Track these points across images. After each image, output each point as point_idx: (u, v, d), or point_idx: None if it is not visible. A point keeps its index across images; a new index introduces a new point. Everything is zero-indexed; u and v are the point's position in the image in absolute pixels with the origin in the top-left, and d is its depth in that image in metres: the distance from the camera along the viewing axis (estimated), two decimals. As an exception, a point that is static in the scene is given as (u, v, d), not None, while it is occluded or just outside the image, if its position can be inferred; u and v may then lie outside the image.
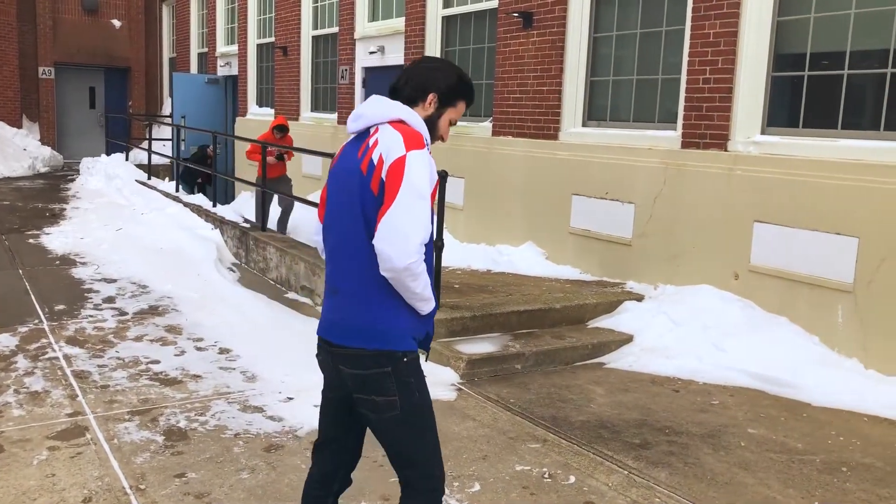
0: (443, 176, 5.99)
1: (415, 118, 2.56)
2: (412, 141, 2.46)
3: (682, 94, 6.74)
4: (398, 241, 2.37)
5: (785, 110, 6.19)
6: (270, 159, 10.24)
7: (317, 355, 2.71)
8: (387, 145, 2.45)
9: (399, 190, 2.39)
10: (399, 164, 2.41)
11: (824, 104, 5.90)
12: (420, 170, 2.41)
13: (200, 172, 13.70)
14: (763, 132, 6.24)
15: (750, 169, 6.16)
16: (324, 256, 2.72)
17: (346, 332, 2.53)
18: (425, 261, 2.46)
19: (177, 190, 12.27)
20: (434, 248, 5.93)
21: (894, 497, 3.85)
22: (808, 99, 6.02)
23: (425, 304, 2.53)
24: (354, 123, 2.60)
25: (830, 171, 5.62)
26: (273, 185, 10.10)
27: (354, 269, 2.51)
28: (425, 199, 2.40)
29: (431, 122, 2.64)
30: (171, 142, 14.11)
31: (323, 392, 2.78)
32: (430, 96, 2.62)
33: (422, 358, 2.65)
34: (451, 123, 2.70)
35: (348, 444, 2.78)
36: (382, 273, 2.43)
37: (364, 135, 2.56)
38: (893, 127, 5.49)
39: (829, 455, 4.31)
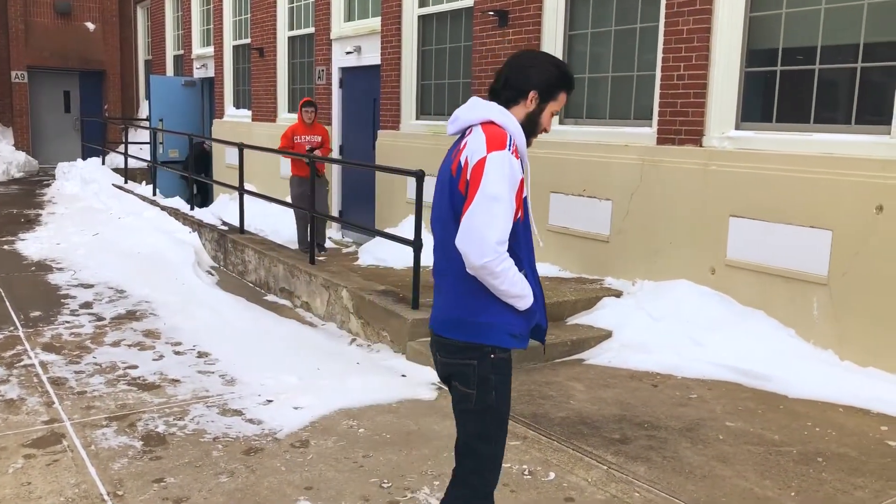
0: (420, 175, 6.01)
1: (506, 118, 2.62)
2: (494, 142, 2.52)
3: (657, 91, 6.78)
4: (474, 240, 2.46)
5: (758, 105, 6.25)
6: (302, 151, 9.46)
7: (431, 346, 2.83)
8: (472, 148, 2.54)
9: (477, 191, 2.47)
10: (480, 166, 2.49)
11: (797, 99, 5.96)
12: (497, 171, 2.48)
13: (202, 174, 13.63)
14: (737, 127, 6.29)
15: (725, 164, 6.21)
16: None
17: (445, 324, 2.66)
18: (520, 258, 2.59)
19: (154, 193, 12.18)
20: (415, 247, 5.95)
21: (868, 486, 3.90)
22: (780, 94, 6.08)
23: (518, 301, 2.59)
24: (451, 126, 2.70)
25: (804, 165, 5.68)
26: (306, 185, 8.94)
27: (451, 267, 2.61)
28: (501, 200, 2.46)
29: (534, 118, 2.69)
30: (149, 145, 14.00)
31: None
32: (531, 94, 2.67)
33: (541, 347, 2.73)
34: (554, 114, 2.75)
35: None
36: (468, 271, 2.53)
37: (462, 137, 2.66)
38: (864, 121, 5.56)
39: (805, 446, 4.36)
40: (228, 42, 14.89)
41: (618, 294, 6.72)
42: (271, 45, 13.20)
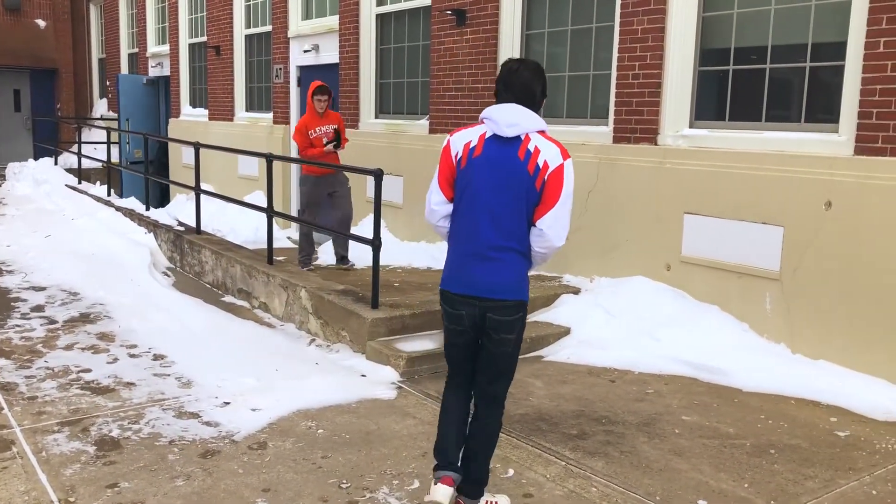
0: (378, 174, 5.99)
1: (543, 124, 3.28)
2: (565, 152, 3.26)
3: (613, 90, 6.85)
4: (561, 230, 3.24)
5: (712, 104, 6.35)
6: (326, 149, 8.01)
7: (449, 309, 3.42)
8: (549, 154, 3.21)
9: (561, 192, 3.20)
10: (559, 171, 3.21)
11: (749, 97, 6.07)
12: (571, 176, 3.24)
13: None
14: (691, 126, 6.39)
15: (679, 162, 6.30)
16: (447, 240, 3.46)
17: (503, 289, 3.29)
18: None
19: (108, 194, 11.97)
20: (374, 246, 5.94)
21: (818, 475, 3.99)
22: (733, 93, 6.18)
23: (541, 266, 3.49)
24: (511, 129, 3.23)
25: (755, 163, 5.79)
26: (322, 186, 7.99)
27: (511, 245, 3.26)
28: (571, 198, 3.25)
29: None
30: (105, 145, 13.72)
31: (451, 341, 3.51)
32: (543, 101, 3.39)
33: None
34: None
35: (473, 371, 3.51)
36: (540, 250, 3.29)
37: (515, 139, 3.24)
38: (813, 119, 5.69)
39: (758, 438, 4.44)
40: (184, 40, 14.68)
41: (576, 291, 6.77)
42: (228, 44, 13.05)
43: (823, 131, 5.56)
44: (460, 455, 3.50)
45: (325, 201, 8.12)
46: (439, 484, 3.42)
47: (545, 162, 3.19)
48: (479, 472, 3.50)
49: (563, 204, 3.22)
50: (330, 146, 8.03)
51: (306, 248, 8.22)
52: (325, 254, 9.01)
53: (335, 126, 8.11)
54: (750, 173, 5.81)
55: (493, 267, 3.29)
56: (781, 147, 5.71)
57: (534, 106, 3.30)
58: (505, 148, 3.24)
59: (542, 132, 3.26)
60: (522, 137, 3.23)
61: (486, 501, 3.57)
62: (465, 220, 3.33)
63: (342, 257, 8.26)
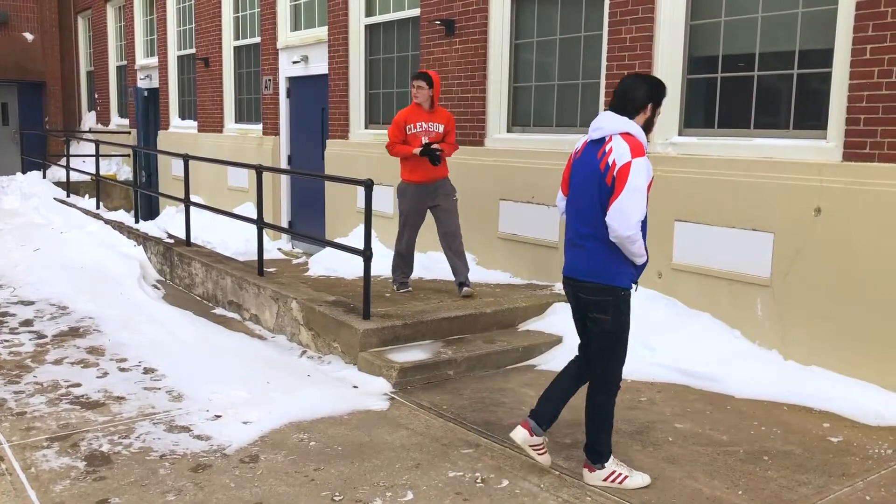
0: (369, 185, 5.98)
1: (634, 128, 3.75)
2: (636, 151, 3.66)
3: (602, 98, 6.87)
4: (623, 219, 3.63)
5: (701, 112, 6.37)
6: (416, 150, 6.75)
7: (564, 287, 4.04)
8: (619, 153, 3.66)
9: (625, 185, 3.61)
10: (626, 167, 3.63)
11: (737, 105, 6.09)
12: (639, 172, 3.63)
13: None
14: (680, 133, 6.41)
15: (669, 170, 6.31)
16: (563, 217, 4.08)
17: (589, 272, 3.81)
18: (643, 232, 3.72)
19: (97, 207, 11.91)
20: (365, 257, 5.92)
21: (812, 482, 3.99)
22: (721, 100, 6.21)
23: (639, 259, 3.81)
24: (595, 132, 3.79)
25: (745, 170, 5.81)
26: (424, 197, 6.87)
27: (590, 233, 3.77)
28: (640, 191, 3.63)
29: (650, 123, 3.85)
30: (93, 158, 13.63)
31: (573, 315, 4.09)
32: (648, 108, 3.83)
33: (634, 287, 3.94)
34: (658, 115, 3.90)
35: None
36: (612, 237, 3.69)
37: (600, 141, 3.76)
38: (802, 125, 5.71)
39: (751, 445, 4.44)
40: (173, 52, 14.66)
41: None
42: (217, 56, 13.04)
43: (812, 138, 5.59)
44: (550, 409, 4.08)
45: (422, 215, 6.98)
46: (518, 426, 4.05)
47: (614, 160, 3.65)
48: (589, 441, 3.96)
49: (626, 196, 3.61)
50: (434, 148, 6.70)
51: (402, 268, 7.13)
52: (316, 264, 8.99)
53: (442, 126, 6.88)
54: (739, 180, 5.83)
55: (579, 253, 3.86)
56: (770, 154, 5.73)
57: (628, 111, 3.78)
58: (593, 149, 3.79)
59: (624, 133, 3.71)
60: (605, 139, 3.73)
61: (613, 472, 3.90)
62: (567, 212, 3.99)
63: (459, 283, 6.89)
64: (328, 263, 8.77)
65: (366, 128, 9.89)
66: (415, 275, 8.13)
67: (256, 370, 5.64)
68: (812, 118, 5.66)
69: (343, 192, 9.86)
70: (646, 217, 3.76)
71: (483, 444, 4.45)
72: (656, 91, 3.87)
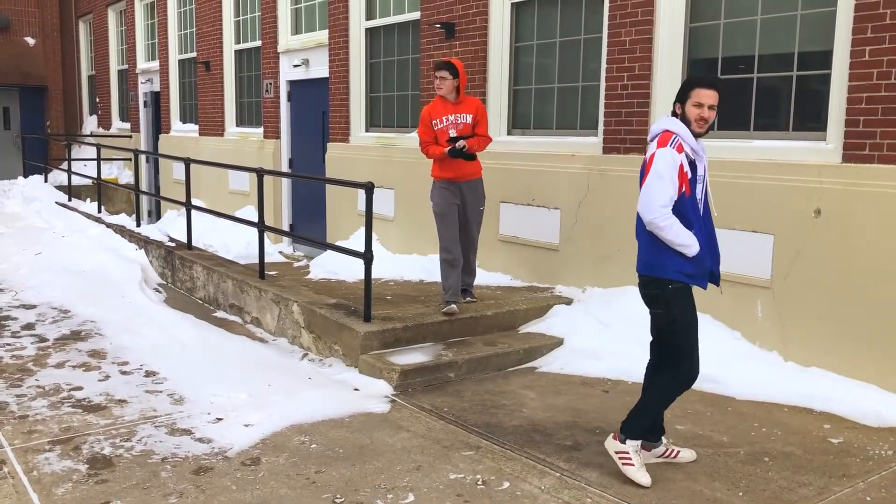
0: (370, 188, 6.00)
1: (672, 124, 3.92)
2: (661, 142, 3.86)
3: (602, 101, 6.88)
4: (644, 203, 3.82)
5: (700, 114, 6.37)
6: (446, 150, 6.25)
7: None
8: (652, 147, 3.91)
9: (649, 172, 3.82)
10: (651, 157, 3.86)
11: (737, 107, 6.10)
12: (660, 160, 3.80)
13: None
14: (680, 135, 6.40)
15: (669, 171, 6.31)
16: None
17: (639, 264, 4.00)
18: (690, 222, 3.82)
19: (99, 211, 11.93)
20: (366, 259, 5.93)
21: (812, 483, 3.99)
22: (721, 102, 6.18)
23: (685, 249, 3.83)
24: (650, 135, 4.03)
25: (745, 172, 5.82)
26: (450, 194, 6.37)
27: (640, 227, 3.95)
28: (663, 178, 3.77)
29: (685, 117, 3.90)
30: (95, 162, 13.63)
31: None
32: (676, 105, 3.98)
33: (716, 290, 4.30)
34: (700, 107, 3.87)
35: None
36: (646, 227, 3.85)
37: (653, 141, 3.98)
38: (801, 127, 5.72)
39: (752, 446, 4.44)
40: (174, 56, 14.70)
41: (568, 301, 6.78)
42: (218, 59, 13.07)
43: (811, 139, 5.60)
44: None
45: (457, 216, 6.44)
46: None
47: (649, 155, 3.89)
48: (630, 413, 4.07)
49: (648, 182, 3.82)
50: (460, 144, 6.14)
51: (450, 277, 6.36)
52: (317, 267, 9.01)
53: (470, 116, 6.29)
54: (739, 182, 5.84)
55: (638, 247, 4.03)
56: (770, 155, 5.74)
57: (673, 113, 3.97)
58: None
59: (664, 131, 3.90)
60: (654, 139, 3.97)
61: (626, 453, 3.99)
62: None
63: (466, 290, 6.65)
64: (329, 266, 8.79)
65: (366, 131, 9.90)
66: (416, 277, 8.15)
67: (257, 373, 5.65)
68: (811, 120, 5.67)
69: (344, 195, 9.88)
70: (703, 217, 3.91)
71: (484, 446, 4.46)
72: (680, 89, 4.00)
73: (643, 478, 3.93)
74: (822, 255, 5.38)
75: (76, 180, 14.08)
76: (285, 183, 11.58)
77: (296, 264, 10.18)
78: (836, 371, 5.31)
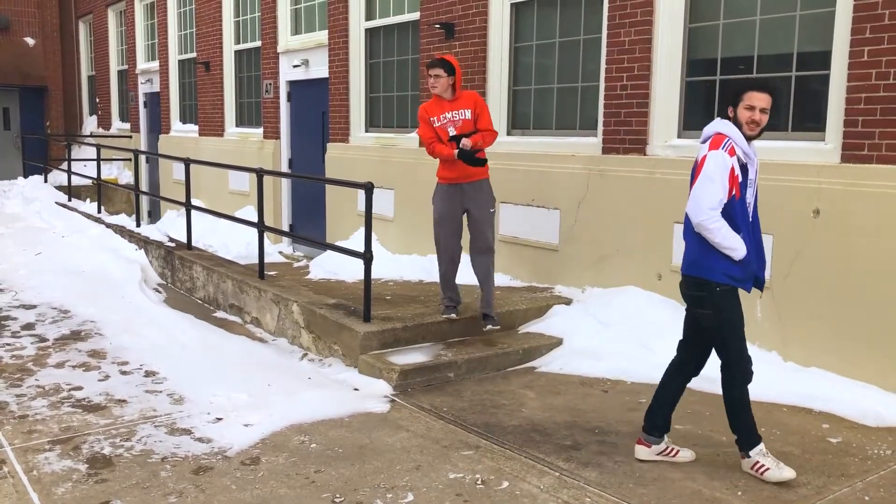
0: (369, 188, 6.00)
1: (724, 126, 3.95)
2: (712, 145, 3.91)
3: (602, 101, 6.89)
4: (693, 205, 3.88)
5: (700, 114, 6.39)
6: (455, 152, 5.77)
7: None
8: (702, 149, 3.97)
9: (700, 175, 3.88)
10: (703, 160, 3.92)
11: (736, 107, 6.10)
12: (711, 163, 3.86)
13: None
14: (680, 136, 6.42)
15: (668, 172, 6.33)
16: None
17: (684, 265, 4.05)
18: (738, 225, 3.86)
19: (99, 211, 11.93)
20: (365, 260, 5.94)
21: (811, 482, 4.00)
22: (720, 102, 6.22)
23: (732, 253, 3.88)
24: (701, 138, 4.05)
25: (744, 172, 5.81)
26: (453, 198, 5.92)
27: (688, 228, 3.99)
28: (713, 180, 3.83)
29: (737, 120, 3.94)
30: (95, 162, 13.63)
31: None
32: (729, 109, 3.98)
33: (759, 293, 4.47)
34: (751, 110, 3.89)
35: (696, 342, 4.21)
36: (695, 229, 3.91)
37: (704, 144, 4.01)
38: (800, 127, 5.73)
39: (751, 446, 4.44)
40: (174, 56, 14.70)
41: (567, 301, 6.79)
42: (217, 60, 13.08)
43: (810, 139, 5.60)
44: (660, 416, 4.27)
45: (457, 222, 5.98)
46: (636, 447, 4.29)
47: (700, 156, 3.94)
48: (734, 432, 4.11)
49: (697, 184, 3.88)
50: (465, 143, 5.69)
51: (444, 290, 6.14)
52: (317, 267, 9.01)
53: (468, 111, 5.82)
54: (738, 182, 5.84)
55: (684, 247, 4.09)
56: (769, 156, 5.73)
57: (722, 114, 4.01)
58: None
59: (717, 133, 3.94)
60: (706, 141, 4.01)
61: (758, 462, 4.00)
62: None
63: (483, 315, 6.03)
64: (329, 266, 8.79)
65: (366, 131, 9.91)
66: (416, 277, 8.16)
67: (257, 373, 5.66)
68: (810, 120, 5.68)
69: (344, 195, 9.88)
70: (746, 210, 3.93)
71: (483, 445, 4.46)
72: (733, 92, 4.01)
73: (787, 473, 3.96)
74: (822, 256, 5.39)
75: (76, 180, 14.09)
76: (285, 183, 11.59)
77: (295, 264, 10.19)
78: (835, 371, 5.32)
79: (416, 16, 8.89)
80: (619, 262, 6.72)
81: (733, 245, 3.86)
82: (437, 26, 8.34)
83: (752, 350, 5.67)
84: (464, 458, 4.29)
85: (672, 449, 4.25)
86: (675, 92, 6.41)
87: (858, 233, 5.20)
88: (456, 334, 6.17)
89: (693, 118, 6.40)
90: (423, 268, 8.31)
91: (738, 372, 4.04)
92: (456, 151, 5.76)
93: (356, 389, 5.41)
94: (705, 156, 3.88)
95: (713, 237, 3.85)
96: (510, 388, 5.49)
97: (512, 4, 7.78)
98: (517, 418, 4.88)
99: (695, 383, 5.39)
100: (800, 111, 5.74)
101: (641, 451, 4.25)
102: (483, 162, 5.93)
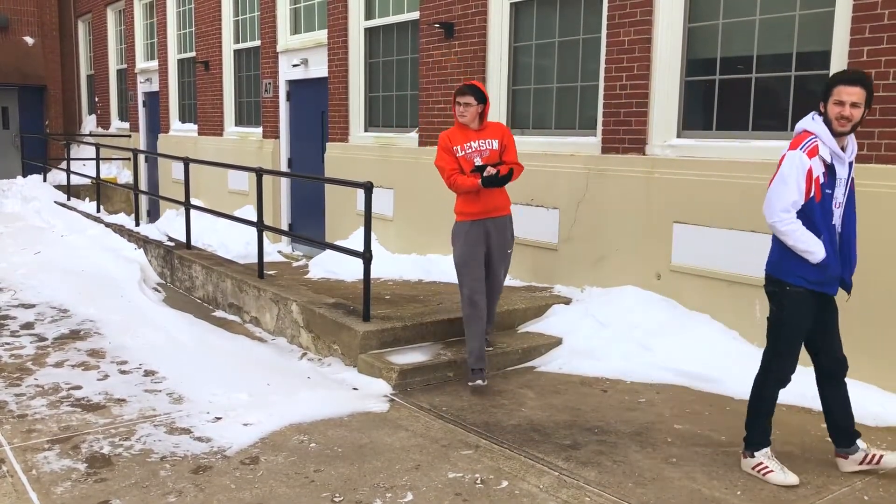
0: (369, 187, 6.00)
1: (812, 124, 3.88)
2: (793, 145, 3.84)
3: (601, 101, 6.89)
4: (766, 206, 3.87)
5: (699, 114, 6.39)
6: (479, 182, 5.28)
7: None
8: (785, 148, 3.89)
9: (776, 175, 3.85)
10: (781, 159, 3.86)
11: (735, 107, 6.11)
12: (786, 164, 3.81)
13: None
14: (679, 135, 6.42)
15: (667, 172, 6.33)
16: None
17: (768, 263, 4.03)
18: (818, 228, 3.80)
19: (98, 210, 11.93)
20: (365, 259, 5.93)
21: (810, 482, 4.00)
22: (720, 102, 6.23)
23: (808, 256, 3.84)
24: (794, 133, 3.99)
25: (743, 171, 5.82)
26: (477, 236, 5.39)
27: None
28: (788, 182, 3.78)
29: (827, 116, 3.84)
30: (94, 161, 13.62)
31: None
32: (820, 104, 3.89)
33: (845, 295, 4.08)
34: (841, 105, 3.78)
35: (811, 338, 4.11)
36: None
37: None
38: (799, 127, 5.72)
39: (750, 446, 4.44)
40: (173, 56, 14.70)
41: (567, 301, 6.79)
42: (217, 59, 13.07)
43: (809, 139, 5.59)
44: (838, 427, 4.19)
45: (479, 259, 5.42)
46: (838, 460, 4.20)
47: (782, 155, 3.88)
48: (748, 427, 4.13)
49: (773, 186, 3.85)
50: (490, 170, 5.22)
51: (472, 340, 5.37)
52: (316, 266, 9.01)
53: (496, 141, 5.42)
54: (738, 182, 5.85)
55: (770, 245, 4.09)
56: (769, 155, 5.73)
57: (817, 112, 3.91)
58: None
59: (803, 131, 3.89)
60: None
61: (761, 463, 4.04)
62: None
63: (482, 368, 5.39)
64: (328, 266, 8.79)
65: (365, 131, 9.91)
66: (415, 277, 8.16)
67: (256, 372, 5.66)
68: (810, 120, 5.67)
69: (343, 194, 9.88)
70: (843, 222, 3.92)
71: (483, 445, 4.46)
72: (824, 86, 3.90)
73: (790, 478, 3.95)
74: (821, 255, 5.38)
75: (75, 180, 14.08)
76: (284, 183, 11.59)
77: (295, 264, 10.19)
78: (834, 371, 5.31)
79: (415, 15, 8.89)
80: (618, 261, 6.72)
81: (809, 248, 3.80)
82: (437, 26, 8.34)
83: (752, 350, 5.74)
84: (463, 457, 4.29)
85: (874, 455, 4.10)
86: (675, 92, 6.41)
87: (858, 233, 5.18)
88: (455, 334, 6.17)
89: (692, 118, 6.41)
90: (422, 267, 8.31)
91: (775, 372, 4.04)
92: (481, 180, 5.24)
93: (355, 389, 5.41)
94: (784, 155, 3.83)
95: (786, 240, 3.82)
96: (509, 387, 5.49)
97: (511, 4, 7.78)
98: (516, 418, 4.89)
99: (694, 383, 5.46)
100: (799, 111, 5.72)
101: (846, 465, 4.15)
102: (508, 179, 5.33)
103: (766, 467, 3.99)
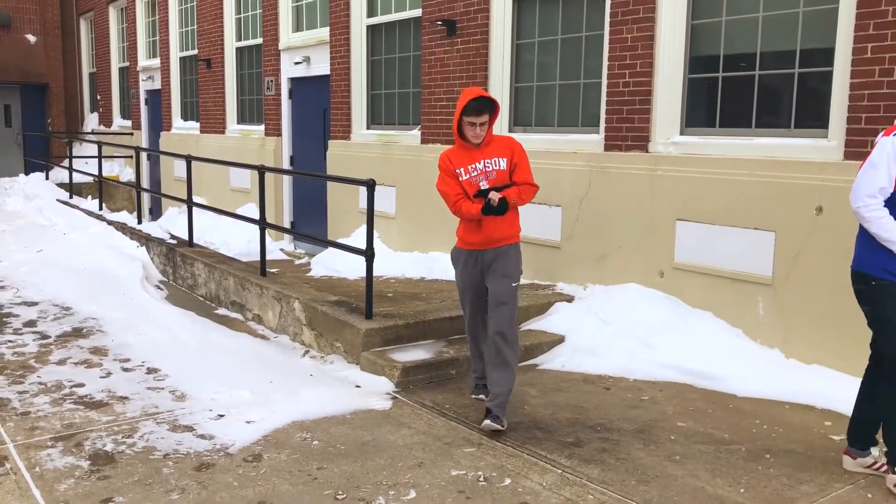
0: (371, 185, 6.00)
1: None
2: (888, 131, 3.71)
3: (604, 98, 6.87)
4: (853, 191, 3.72)
5: (702, 111, 6.38)
6: (473, 209, 4.61)
7: None
8: (880, 135, 3.78)
9: (866, 161, 3.71)
10: (874, 145, 3.74)
11: (738, 104, 6.10)
12: (878, 149, 3.68)
13: None
14: (682, 133, 6.41)
15: (670, 169, 6.32)
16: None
17: (854, 259, 3.89)
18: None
19: (100, 208, 11.93)
20: (367, 257, 5.93)
21: (814, 479, 3.99)
22: (723, 99, 6.22)
23: (891, 245, 3.68)
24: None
25: (746, 169, 5.82)
26: (472, 265, 4.80)
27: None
28: (877, 167, 3.65)
29: None
30: (96, 159, 13.62)
31: None
32: None
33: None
34: None
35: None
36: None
37: None
38: (803, 125, 5.72)
39: (753, 444, 4.44)
40: (175, 53, 14.69)
41: (569, 299, 6.78)
42: (219, 56, 13.07)
43: (813, 137, 5.59)
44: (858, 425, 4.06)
45: (479, 293, 4.84)
46: (843, 457, 4.15)
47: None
48: (887, 442, 3.92)
49: (861, 171, 3.72)
50: (493, 196, 4.52)
51: (473, 364, 5.17)
52: (319, 264, 9.01)
53: (504, 160, 4.68)
54: (741, 179, 5.84)
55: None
56: (772, 153, 5.73)
57: None
58: None
59: None
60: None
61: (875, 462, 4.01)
62: None
63: (482, 384, 5.05)
64: (330, 264, 8.79)
65: (368, 128, 9.90)
66: (417, 274, 8.16)
67: (259, 370, 5.66)
68: (813, 117, 5.67)
69: (345, 192, 9.88)
70: None
71: (485, 442, 4.46)
72: None
73: None
74: (824, 253, 5.37)
75: (77, 178, 14.09)
76: (286, 180, 11.58)
77: (297, 262, 10.19)
78: (837, 368, 5.31)
79: (417, 12, 8.88)
80: (620, 259, 6.71)
81: (893, 237, 3.66)
82: (439, 23, 8.33)
83: (754, 347, 5.74)
84: (466, 455, 4.29)
85: (882, 464, 4.02)
86: (678, 89, 6.39)
87: (861, 230, 5.18)
88: (458, 331, 6.17)
89: (695, 115, 6.39)
90: (424, 265, 8.31)
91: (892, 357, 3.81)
92: (482, 207, 4.57)
93: (358, 386, 5.41)
94: (877, 141, 3.73)
95: (870, 227, 3.69)
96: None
97: (514, 1, 7.76)
98: (519, 415, 4.88)
99: (697, 381, 5.45)
100: (802, 108, 5.73)
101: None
102: (506, 208, 4.59)
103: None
